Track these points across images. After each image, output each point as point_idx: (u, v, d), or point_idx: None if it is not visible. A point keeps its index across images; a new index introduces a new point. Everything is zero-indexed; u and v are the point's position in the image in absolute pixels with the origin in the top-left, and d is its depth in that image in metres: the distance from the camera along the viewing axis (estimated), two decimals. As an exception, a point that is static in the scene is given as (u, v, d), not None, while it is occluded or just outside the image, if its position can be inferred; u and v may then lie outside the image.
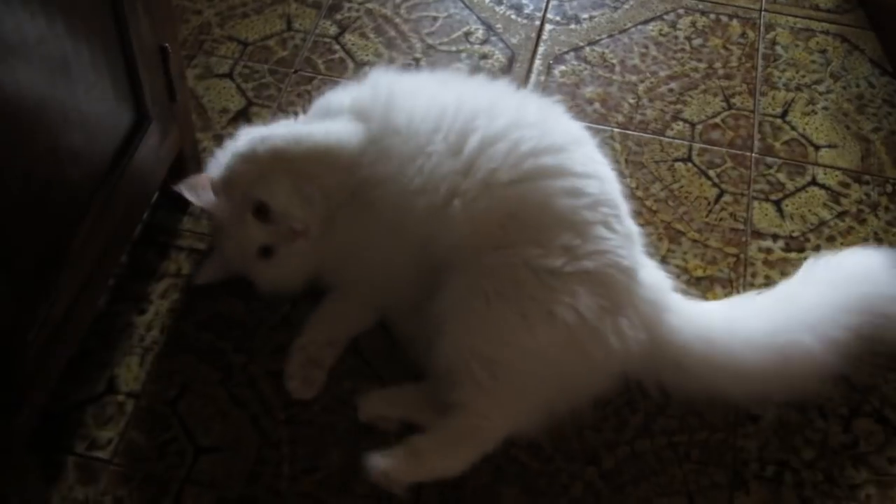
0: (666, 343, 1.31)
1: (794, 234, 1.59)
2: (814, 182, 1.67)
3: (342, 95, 1.44)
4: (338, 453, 1.32)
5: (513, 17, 1.93)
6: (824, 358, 1.29)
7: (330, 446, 1.32)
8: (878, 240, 1.59)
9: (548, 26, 1.92)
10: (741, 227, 1.60)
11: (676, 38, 1.91)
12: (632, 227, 1.38)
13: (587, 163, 1.36)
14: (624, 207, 1.37)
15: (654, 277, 1.37)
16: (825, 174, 1.69)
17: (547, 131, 1.35)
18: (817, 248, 1.57)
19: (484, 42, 1.88)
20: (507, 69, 1.83)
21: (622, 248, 1.31)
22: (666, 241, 1.57)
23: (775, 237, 1.59)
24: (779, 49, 1.89)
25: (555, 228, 1.28)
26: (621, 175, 1.63)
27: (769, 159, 1.71)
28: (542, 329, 1.24)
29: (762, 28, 1.94)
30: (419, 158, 1.32)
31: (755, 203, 1.64)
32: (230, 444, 1.32)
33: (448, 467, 1.27)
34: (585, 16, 1.94)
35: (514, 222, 1.28)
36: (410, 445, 1.25)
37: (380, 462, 1.23)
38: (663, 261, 1.54)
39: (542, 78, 1.82)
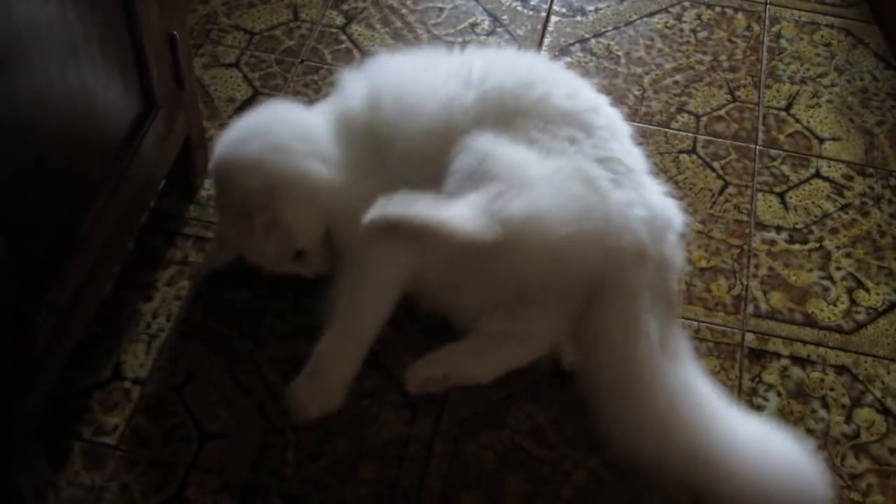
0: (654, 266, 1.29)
1: (798, 226, 1.60)
2: (817, 174, 1.68)
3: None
4: (343, 440, 1.32)
5: (518, 8, 1.93)
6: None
7: (335, 433, 1.33)
8: (881, 232, 1.59)
9: (553, 18, 1.92)
10: (745, 218, 1.61)
11: (682, 30, 1.91)
12: (637, 150, 1.39)
13: (585, 87, 1.43)
14: (628, 132, 1.40)
15: (663, 200, 1.35)
16: (829, 167, 1.69)
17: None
18: (820, 241, 1.58)
19: (490, 33, 1.88)
20: (512, 60, 1.83)
21: (627, 157, 1.34)
22: (670, 233, 1.58)
23: (779, 229, 1.60)
24: (783, 42, 1.90)
25: (559, 122, 1.31)
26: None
27: (773, 151, 1.71)
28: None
29: (767, 21, 1.94)
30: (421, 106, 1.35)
31: (759, 195, 1.64)
32: (236, 431, 1.33)
33: (481, 373, 1.35)
34: (591, 8, 1.95)
35: (521, 117, 1.31)
36: (446, 349, 1.34)
37: (414, 368, 1.33)
38: (667, 252, 1.55)
39: (548, 69, 1.82)
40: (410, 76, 1.39)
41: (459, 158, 1.29)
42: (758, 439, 1.24)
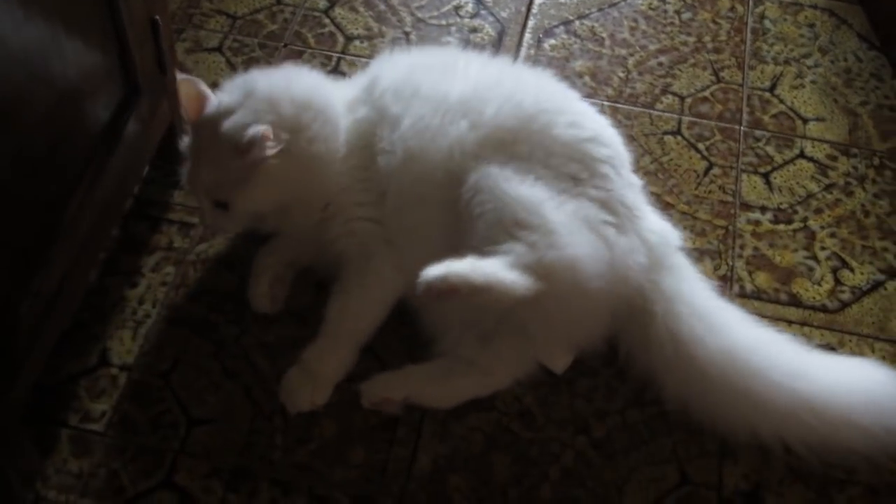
0: (660, 293, 1.31)
1: (782, 207, 1.61)
2: (802, 155, 1.69)
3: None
4: (331, 424, 1.33)
5: (502, -10, 1.93)
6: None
7: (322, 417, 1.33)
8: (865, 212, 1.60)
9: (537, 0, 1.92)
10: (730, 199, 1.61)
11: (666, 11, 1.91)
12: (635, 179, 1.39)
13: (588, 113, 1.41)
14: (627, 159, 1.40)
15: (660, 225, 1.38)
16: (813, 147, 1.70)
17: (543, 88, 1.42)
18: (805, 221, 1.59)
19: (474, 16, 1.88)
20: (496, 43, 1.83)
21: (626, 191, 1.34)
22: (655, 214, 1.58)
23: (763, 209, 1.60)
24: (767, 23, 1.90)
25: (561, 157, 1.31)
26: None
27: (758, 132, 1.72)
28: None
29: (751, 2, 1.94)
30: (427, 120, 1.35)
31: (744, 176, 1.65)
32: (224, 416, 1.33)
33: (440, 399, 1.34)
34: (575, -11, 1.94)
35: (523, 146, 1.31)
36: (407, 370, 1.33)
37: (372, 383, 1.32)
38: (653, 233, 1.55)
39: (532, 52, 1.82)
40: (427, 119, 1.35)
41: (476, 201, 1.27)
42: (847, 376, 1.29)
